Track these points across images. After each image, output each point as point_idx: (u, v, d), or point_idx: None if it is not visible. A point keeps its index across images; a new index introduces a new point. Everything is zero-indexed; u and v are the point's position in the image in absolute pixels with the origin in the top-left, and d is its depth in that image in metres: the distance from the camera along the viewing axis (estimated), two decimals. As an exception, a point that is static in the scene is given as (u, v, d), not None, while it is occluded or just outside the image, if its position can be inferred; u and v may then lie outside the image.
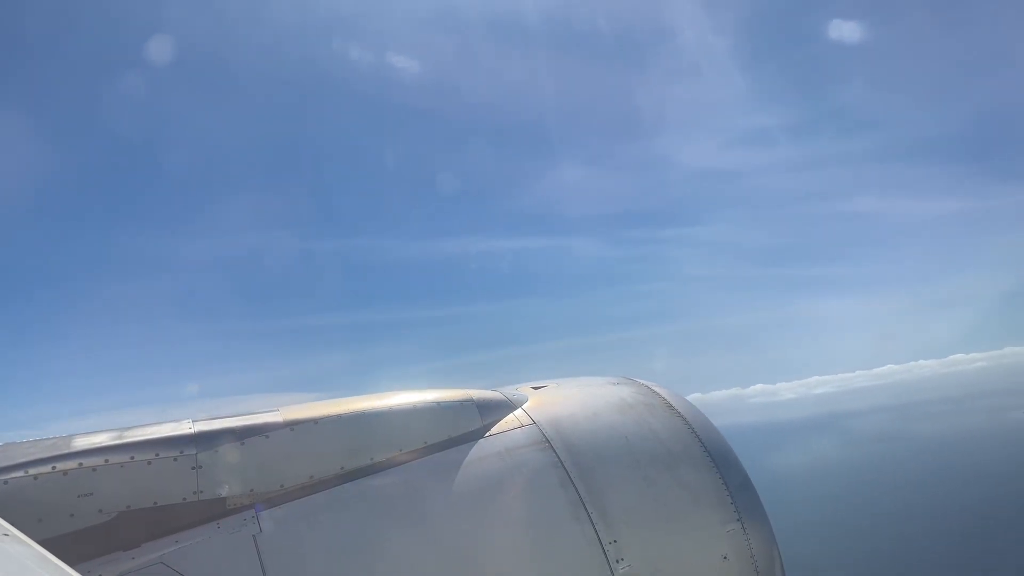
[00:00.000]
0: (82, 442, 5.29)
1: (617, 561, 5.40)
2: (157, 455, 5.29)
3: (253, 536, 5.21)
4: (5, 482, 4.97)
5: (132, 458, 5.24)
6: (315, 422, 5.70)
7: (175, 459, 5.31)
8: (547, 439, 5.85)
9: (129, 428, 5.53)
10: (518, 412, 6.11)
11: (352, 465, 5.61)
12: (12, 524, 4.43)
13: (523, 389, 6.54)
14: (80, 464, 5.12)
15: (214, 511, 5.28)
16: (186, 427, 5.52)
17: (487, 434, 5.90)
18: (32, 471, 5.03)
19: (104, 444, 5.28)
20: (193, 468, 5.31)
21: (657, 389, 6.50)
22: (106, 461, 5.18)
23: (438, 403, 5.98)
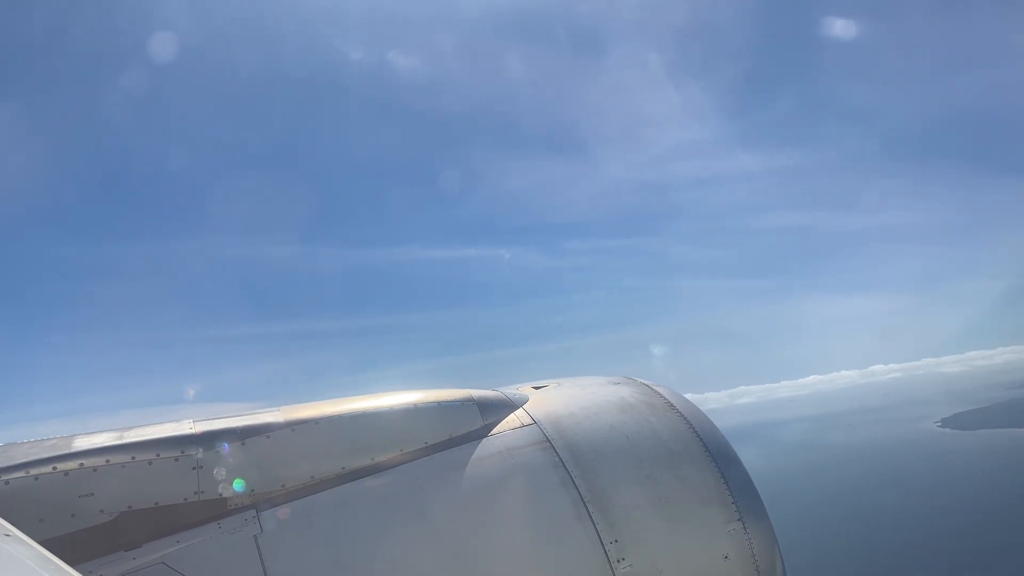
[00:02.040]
0: (83, 442, 5.23)
1: (619, 561, 5.41)
2: (158, 455, 5.25)
3: (254, 536, 5.19)
4: (6, 482, 4.90)
5: (133, 458, 5.19)
6: (316, 422, 5.68)
7: (176, 459, 5.27)
8: (548, 439, 5.85)
9: (130, 428, 5.47)
10: (519, 412, 6.11)
11: (353, 465, 5.60)
12: (13, 524, 4.39)
13: (524, 389, 6.55)
14: (81, 464, 5.07)
15: (215, 511, 5.26)
16: (187, 427, 5.47)
17: (488, 434, 5.90)
18: (33, 471, 4.97)
19: (105, 444, 5.22)
20: (194, 468, 5.28)
21: (658, 388, 6.52)
22: (107, 461, 5.13)
23: (439, 403, 5.97)
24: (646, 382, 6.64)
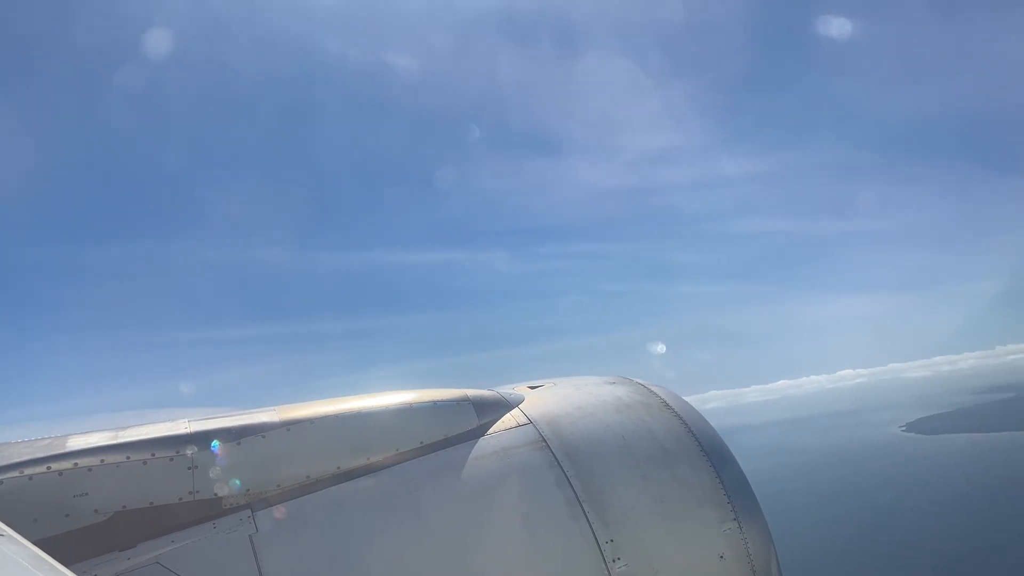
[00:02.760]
0: (77, 442, 5.21)
1: (614, 560, 5.42)
2: (153, 455, 5.24)
3: (249, 536, 5.16)
4: (0, 482, 4.87)
5: (128, 458, 5.18)
6: (311, 422, 5.67)
7: (171, 459, 5.26)
8: (544, 438, 5.86)
9: (125, 428, 5.45)
10: (514, 412, 6.12)
11: (348, 465, 5.59)
12: (7, 524, 4.36)
13: (519, 389, 6.56)
14: (75, 464, 5.05)
15: (210, 511, 5.23)
16: (182, 427, 5.46)
17: (484, 434, 5.90)
18: (27, 471, 4.95)
19: (99, 444, 5.21)
20: (189, 468, 5.26)
21: (654, 388, 6.54)
22: (102, 461, 5.11)
23: (434, 403, 5.97)
24: (642, 382, 6.65)
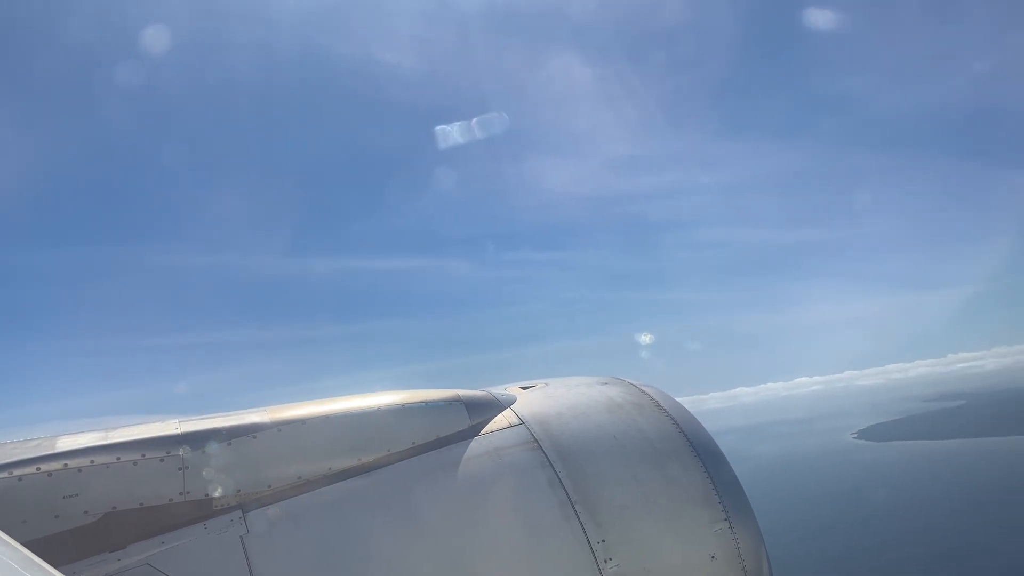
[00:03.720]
0: (67, 443, 5.14)
1: (606, 561, 5.43)
2: (143, 456, 5.18)
3: (240, 537, 5.12)
4: None
5: (118, 459, 5.12)
6: (303, 422, 5.63)
7: (162, 460, 5.20)
8: (536, 439, 5.86)
9: (115, 428, 5.38)
10: (506, 412, 6.10)
11: (340, 465, 5.55)
12: None
13: (511, 389, 6.55)
14: (65, 465, 4.98)
15: (201, 512, 5.18)
16: (173, 427, 5.40)
17: (476, 434, 5.89)
18: (16, 472, 4.87)
19: (90, 445, 5.14)
20: (180, 469, 5.21)
21: (646, 389, 6.55)
22: (92, 462, 5.05)
23: (426, 403, 5.95)
24: (633, 382, 6.67)
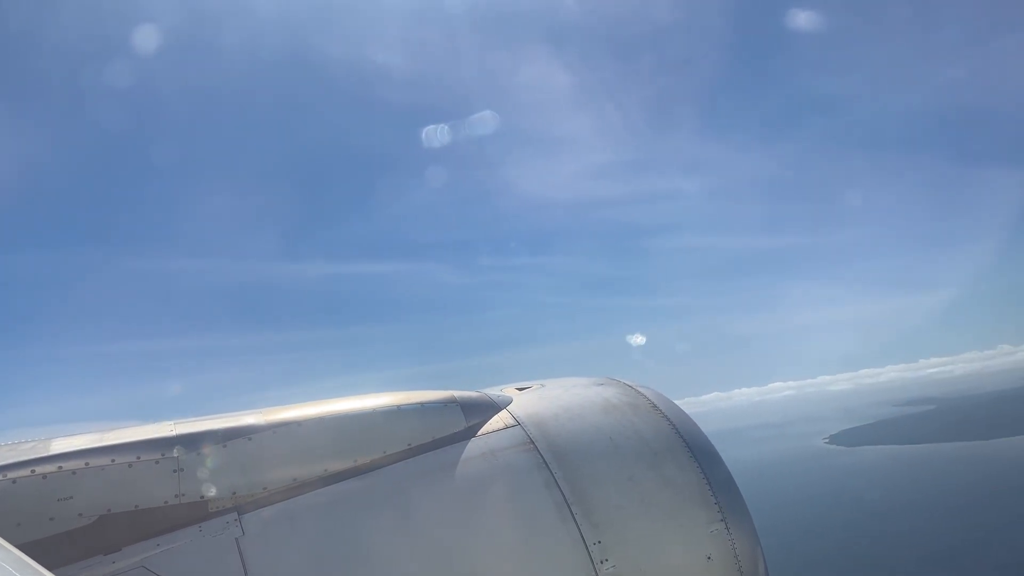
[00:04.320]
0: (62, 445, 5.14)
1: (602, 562, 5.42)
2: (138, 458, 5.17)
3: (236, 539, 5.12)
4: None
5: (113, 461, 5.11)
6: (298, 424, 5.62)
7: (157, 462, 5.19)
8: (532, 440, 5.85)
9: (110, 430, 5.38)
10: (502, 413, 6.10)
11: (336, 467, 5.54)
12: None
13: (507, 390, 6.55)
14: (60, 467, 4.97)
15: (196, 514, 5.17)
16: (168, 429, 5.39)
17: (472, 435, 5.88)
18: (10, 474, 4.87)
19: (84, 447, 5.13)
20: (175, 471, 5.19)
21: (641, 390, 6.54)
22: (86, 464, 5.04)
23: (422, 404, 5.93)
24: (629, 383, 6.66)
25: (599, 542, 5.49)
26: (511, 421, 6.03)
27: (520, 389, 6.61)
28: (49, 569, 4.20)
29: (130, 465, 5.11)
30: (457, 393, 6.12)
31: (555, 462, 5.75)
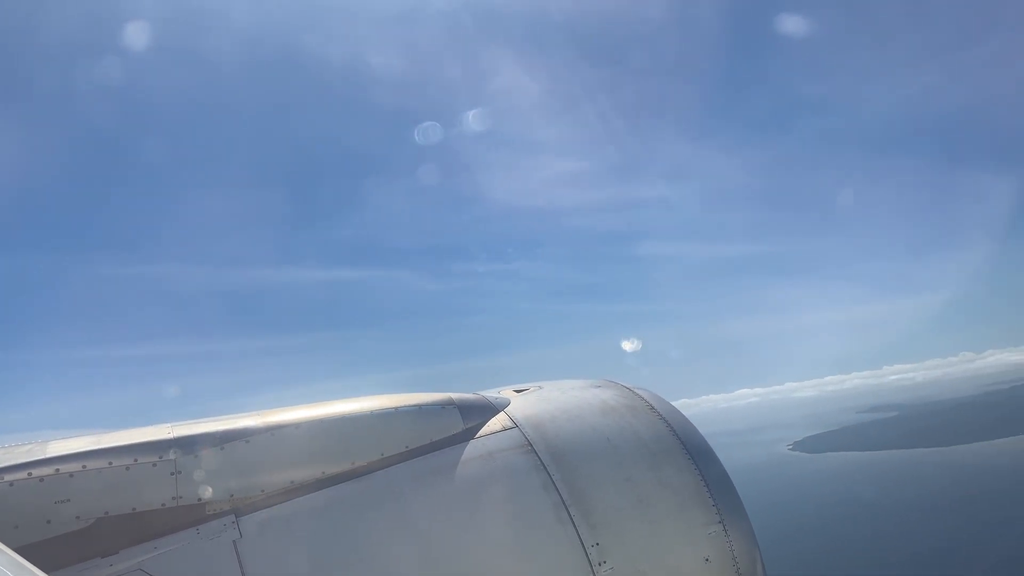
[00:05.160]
0: (59, 447, 5.12)
1: (600, 564, 5.45)
2: (136, 460, 5.16)
3: (233, 542, 5.12)
4: None
5: (110, 463, 5.09)
6: (296, 426, 5.62)
7: (154, 464, 5.18)
8: (529, 442, 5.87)
9: (107, 433, 5.35)
10: (500, 415, 6.11)
11: (333, 469, 5.54)
12: None
13: (505, 392, 6.57)
14: (57, 470, 4.97)
15: (194, 517, 5.16)
16: (165, 432, 5.37)
17: (470, 438, 5.89)
18: (7, 477, 4.85)
19: (81, 449, 5.11)
20: (172, 473, 5.18)
21: (639, 391, 6.58)
22: (83, 467, 5.03)
23: (419, 406, 5.94)
24: (627, 385, 6.70)
25: (597, 544, 5.52)
26: (509, 423, 6.05)
27: (518, 391, 6.63)
28: (46, 572, 4.19)
29: (127, 468, 5.10)
30: (455, 395, 6.14)
31: (553, 464, 5.78)
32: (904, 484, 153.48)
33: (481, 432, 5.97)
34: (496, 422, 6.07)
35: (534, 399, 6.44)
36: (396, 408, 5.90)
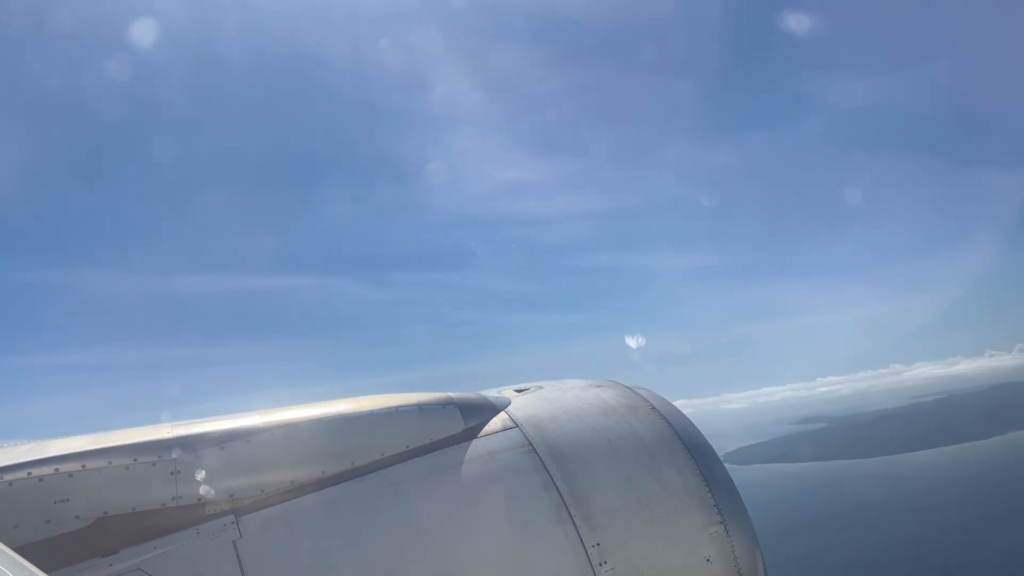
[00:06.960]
0: (58, 447, 5.08)
1: (601, 564, 5.46)
2: (135, 460, 5.12)
3: (233, 542, 5.09)
4: None
5: (110, 463, 5.06)
6: (296, 426, 5.58)
7: (154, 464, 5.15)
8: (530, 442, 5.87)
9: (107, 432, 5.32)
10: (501, 415, 6.11)
11: (333, 469, 5.51)
12: None
13: (506, 392, 6.56)
14: (56, 470, 4.93)
15: (194, 516, 5.12)
16: (165, 431, 5.33)
17: (470, 437, 5.88)
18: (7, 477, 4.82)
19: (81, 449, 5.07)
20: (172, 473, 5.15)
21: (640, 391, 6.59)
22: (83, 466, 4.99)
23: (420, 406, 5.92)
24: (628, 385, 6.73)
25: (598, 544, 5.54)
26: (509, 423, 6.06)
27: (518, 391, 6.64)
28: (46, 572, 4.19)
29: (127, 467, 5.07)
30: (455, 395, 6.13)
31: (553, 464, 5.79)
32: (825, 497, 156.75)
33: (482, 432, 5.96)
34: (497, 422, 6.07)
35: (535, 399, 6.44)
36: (396, 408, 5.87)
